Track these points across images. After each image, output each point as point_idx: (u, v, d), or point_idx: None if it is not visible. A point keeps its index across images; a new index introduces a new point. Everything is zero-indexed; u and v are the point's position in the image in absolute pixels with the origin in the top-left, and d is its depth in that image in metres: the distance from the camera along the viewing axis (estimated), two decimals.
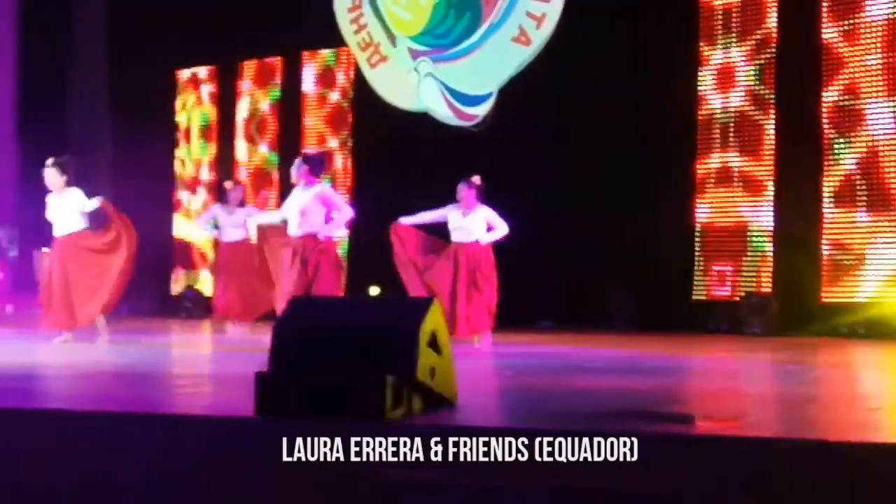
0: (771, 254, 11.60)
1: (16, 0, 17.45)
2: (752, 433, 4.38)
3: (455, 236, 9.93)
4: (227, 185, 12.21)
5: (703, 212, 12.06)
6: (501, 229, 9.95)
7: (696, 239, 12.07)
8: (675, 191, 12.12)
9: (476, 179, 10.00)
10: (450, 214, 9.99)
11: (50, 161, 9.67)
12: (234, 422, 4.42)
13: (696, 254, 12.05)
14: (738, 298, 11.67)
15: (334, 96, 14.73)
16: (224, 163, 15.85)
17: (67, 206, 9.56)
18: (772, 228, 11.60)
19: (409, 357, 4.34)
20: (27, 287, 15.69)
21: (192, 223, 13.29)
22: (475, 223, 9.88)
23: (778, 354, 9.06)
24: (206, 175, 16.19)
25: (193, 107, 16.32)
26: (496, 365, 8.08)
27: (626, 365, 8.20)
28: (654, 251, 11.94)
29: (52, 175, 9.62)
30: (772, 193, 11.60)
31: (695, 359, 9.01)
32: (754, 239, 11.74)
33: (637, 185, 12.08)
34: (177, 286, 16.23)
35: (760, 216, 11.72)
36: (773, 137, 11.61)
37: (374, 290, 12.79)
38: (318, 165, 9.48)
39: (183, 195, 16.31)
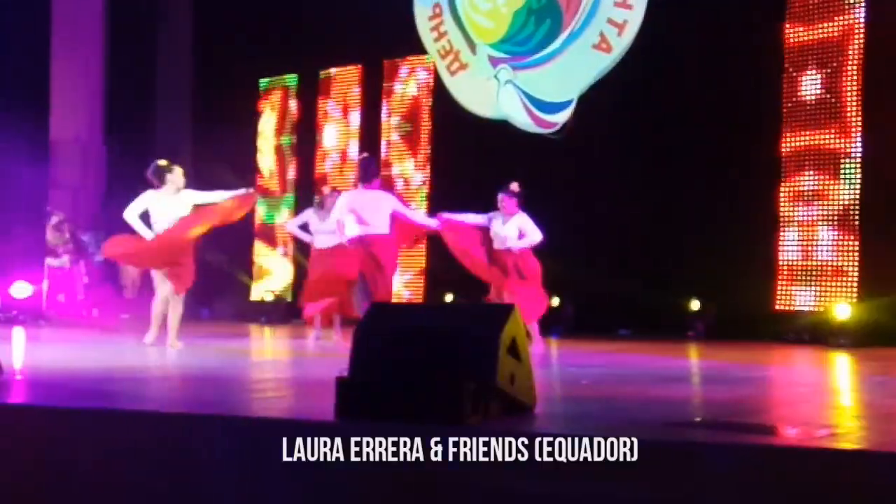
0: (857, 265, 11.38)
1: (104, 12, 17.83)
2: (836, 445, 4.32)
3: (494, 244, 10.04)
4: (325, 190, 12.23)
5: (787, 219, 11.88)
6: (534, 236, 10.02)
7: (780, 249, 11.89)
8: (758, 200, 11.96)
9: (515, 187, 10.14)
10: (493, 221, 10.09)
11: (165, 161, 9.79)
12: (314, 425, 4.47)
13: (780, 263, 11.88)
14: (821, 309, 11.48)
15: (414, 103, 14.80)
16: (304, 169, 16.01)
17: (180, 207, 9.62)
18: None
19: (489, 363, 4.35)
20: (111, 291, 16.01)
21: (287, 225, 13.35)
22: (510, 231, 9.95)
23: (865, 365, 8.90)
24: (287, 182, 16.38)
25: (275, 115, 16.50)
26: (574, 373, 8.06)
27: (705, 374, 8.13)
28: (735, 260, 11.79)
29: (180, 175, 9.70)
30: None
31: (776, 368, 8.89)
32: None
33: (719, 194, 11.96)
34: (257, 291, 16.43)
35: None
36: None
37: (449, 298, 12.81)
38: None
39: (263, 205, 16.50)
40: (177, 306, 9.57)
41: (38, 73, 15.26)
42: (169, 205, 9.61)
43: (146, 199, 9.64)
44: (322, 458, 4.21)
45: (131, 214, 9.60)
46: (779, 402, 6.40)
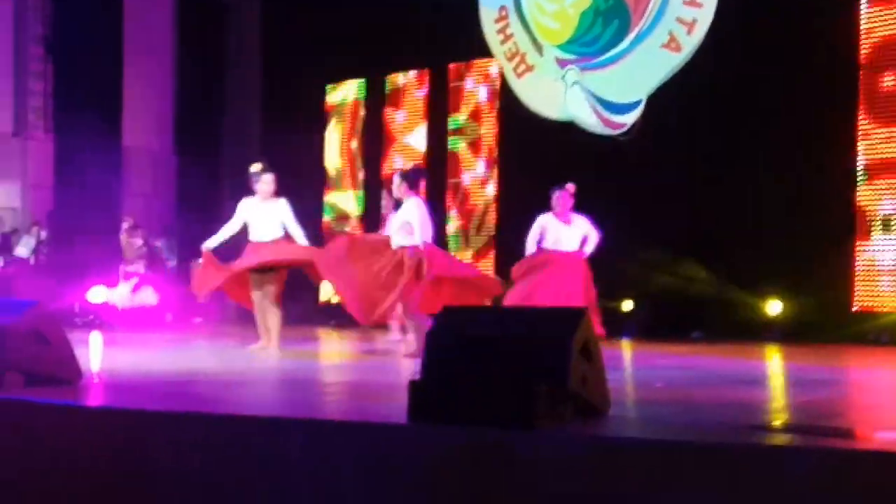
0: None
1: (174, 21, 18.08)
2: None
3: (555, 246, 10.11)
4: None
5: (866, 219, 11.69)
6: (595, 237, 10.25)
7: (858, 249, 11.71)
8: (834, 199, 11.79)
9: (571, 187, 10.30)
10: (548, 224, 10.08)
11: (259, 167, 9.89)
12: (388, 427, 4.49)
13: (858, 264, 11.69)
14: None
15: (481, 106, 14.79)
16: (372, 171, 16.08)
17: (273, 215, 9.74)
18: None
19: (561, 366, 4.34)
20: (184, 296, 16.21)
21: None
22: (575, 233, 10.10)
23: None
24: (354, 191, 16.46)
25: (342, 120, 16.58)
26: (647, 376, 8.00)
27: (780, 377, 8.03)
28: (811, 261, 11.62)
29: (269, 181, 9.82)
30: None
31: (854, 371, 8.75)
32: None
33: (792, 194, 11.80)
34: (325, 294, 16.51)
35: None
36: None
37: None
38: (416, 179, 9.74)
39: (330, 214, 16.60)
40: (275, 313, 9.66)
41: (111, 82, 15.54)
42: (262, 211, 9.76)
43: (241, 208, 9.85)
44: (395, 461, 4.23)
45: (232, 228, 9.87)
46: (858, 406, 6.29)
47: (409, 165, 13.22)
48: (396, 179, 9.57)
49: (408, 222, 9.17)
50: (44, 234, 16.13)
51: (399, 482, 4.21)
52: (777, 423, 4.96)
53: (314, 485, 4.41)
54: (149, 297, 15.47)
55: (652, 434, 4.58)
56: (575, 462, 4.03)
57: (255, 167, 9.89)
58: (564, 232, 10.25)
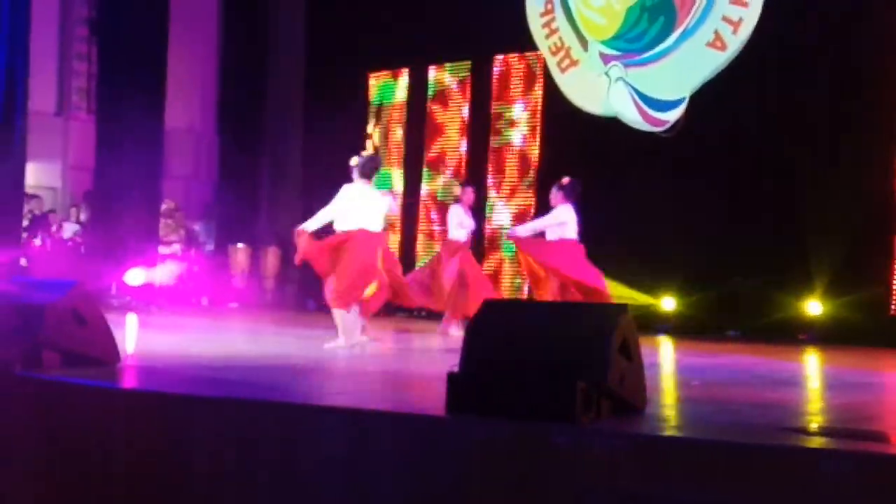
0: None
1: (218, 9, 18.14)
2: None
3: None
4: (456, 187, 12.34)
5: None
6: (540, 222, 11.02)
7: None
8: (875, 201, 11.68)
9: (564, 180, 10.84)
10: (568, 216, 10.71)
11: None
12: (425, 419, 4.49)
13: None
14: None
15: (524, 99, 14.75)
16: (413, 161, 16.07)
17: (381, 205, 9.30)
18: None
19: (601, 363, 4.32)
20: (222, 280, 16.29)
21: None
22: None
23: None
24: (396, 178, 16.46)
25: (386, 108, 16.58)
26: (683, 374, 7.96)
27: (817, 379, 7.97)
28: (850, 263, 11.52)
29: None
30: None
31: (889, 374, 8.67)
32: None
33: (834, 194, 11.69)
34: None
35: None
36: None
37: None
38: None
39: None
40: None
41: (155, 64, 15.61)
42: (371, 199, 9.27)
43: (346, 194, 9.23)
44: (432, 452, 4.23)
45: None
46: (890, 410, 6.23)
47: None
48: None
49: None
50: (83, 216, 16.24)
51: (436, 473, 4.22)
52: (813, 425, 4.92)
53: (351, 473, 4.41)
54: (166, 275, 15.40)
55: (688, 433, 4.56)
56: (613, 458, 4.02)
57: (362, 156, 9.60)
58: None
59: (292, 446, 4.58)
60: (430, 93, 15.88)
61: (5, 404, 5.49)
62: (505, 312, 4.92)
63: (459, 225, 11.58)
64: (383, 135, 16.51)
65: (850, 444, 4.26)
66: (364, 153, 9.60)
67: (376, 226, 9.03)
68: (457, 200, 11.98)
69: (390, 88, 16.51)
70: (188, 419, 4.96)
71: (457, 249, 11.42)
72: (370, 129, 16.62)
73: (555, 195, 10.74)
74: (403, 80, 16.29)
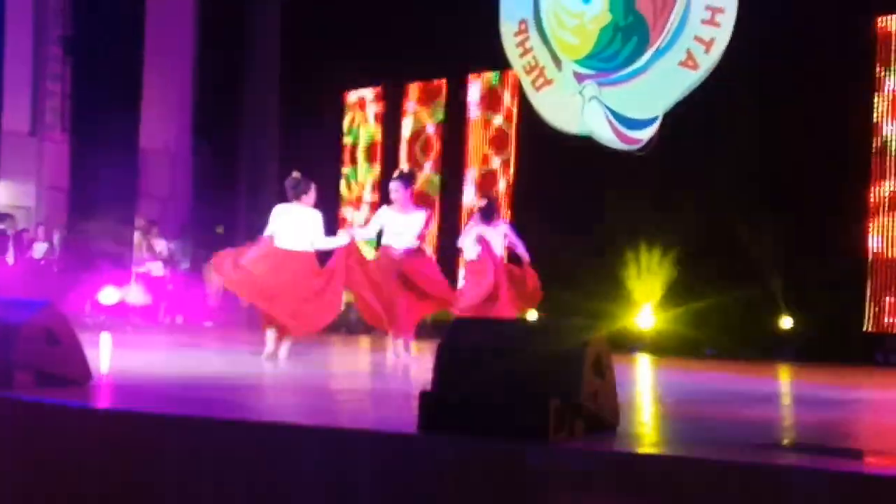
0: None
1: (194, 23, 18.15)
2: None
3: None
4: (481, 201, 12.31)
5: (876, 240, 11.67)
6: None
7: (868, 268, 11.68)
8: (846, 219, 11.77)
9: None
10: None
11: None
12: (399, 437, 4.48)
13: (868, 283, 11.67)
14: None
15: (498, 119, 14.81)
16: (388, 179, 16.08)
17: (414, 225, 9.53)
18: None
19: (573, 380, 4.32)
20: (196, 299, 16.25)
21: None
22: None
23: None
24: (369, 196, 16.46)
25: (360, 127, 16.62)
26: (657, 392, 7.98)
27: (793, 396, 8.01)
28: (822, 280, 11.59)
29: (394, 189, 9.67)
30: None
31: (864, 391, 8.72)
32: None
33: (806, 213, 11.78)
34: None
35: None
36: None
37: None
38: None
39: (347, 214, 16.61)
40: None
41: (130, 83, 15.61)
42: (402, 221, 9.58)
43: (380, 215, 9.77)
44: (406, 471, 4.22)
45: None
46: (869, 428, 6.26)
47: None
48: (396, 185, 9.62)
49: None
50: (55, 236, 16.12)
51: (409, 492, 4.21)
52: (787, 442, 4.94)
53: (324, 492, 4.40)
54: (138, 296, 15.37)
55: (662, 450, 4.57)
56: (586, 476, 4.02)
57: (296, 175, 9.71)
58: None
59: (265, 465, 4.55)
60: (404, 109, 15.93)
61: None
62: (476, 330, 4.92)
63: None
64: (358, 154, 16.56)
65: (825, 461, 4.28)
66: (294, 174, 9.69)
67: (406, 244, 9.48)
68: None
69: (364, 106, 16.53)
70: (160, 438, 4.93)
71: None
72: (345, 145, 16.65)
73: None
74: (378, 98, 16.33)
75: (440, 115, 15.53)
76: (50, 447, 5.18)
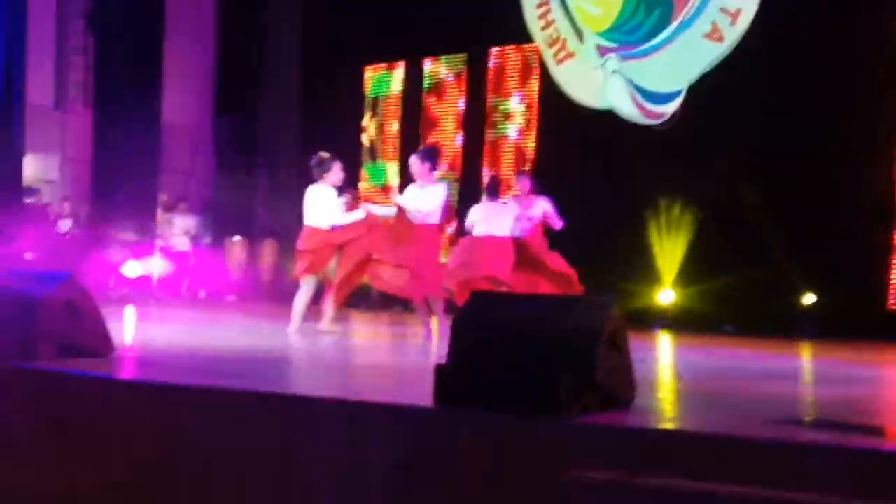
0: None
1: (215, 2, 18.14)
2: None
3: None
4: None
5: None
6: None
7: (893, 244, 11.60)
8: (872, 195, 11.67)
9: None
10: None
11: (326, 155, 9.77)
12: (414, 410, 4.51)
13: (893, 259, 11.58)
14: None
15: (520, 92, 14.75)
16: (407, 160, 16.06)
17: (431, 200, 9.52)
18: None
19: (589, 356, 4.33)
20: (218, 273, 16.31)
21: None
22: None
23: None
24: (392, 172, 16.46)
25: (381, 101, 16.58)
26: (674, 368, 7.98)
27: (812, 373, 7.99)
28: (848, 257, 11.52)
29: (412, 163, 9.75)
30: None
31: (887, 369, 8.69)
32: None
33: (832, 188, 11.68)
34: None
35: None
36: None
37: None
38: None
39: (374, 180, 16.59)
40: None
41: (151, 57, 15.64)
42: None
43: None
44: (420, 443, 4.25)
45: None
46: (880, 405, 6.24)
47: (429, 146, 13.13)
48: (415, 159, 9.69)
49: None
50: (67, 208, 16.15)
51: (424, 464, 4.23)
52: (804, 418, 4.94)
53: (342, 462, 4.44)
54: (161, 268, 15.41)
55: (676, 426, 4.58)
56: (600, 451, 4.03)
57: (324, 154, 9.86)
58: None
59: (284, 437, 4.60)
60: (425, 85, 15.88)
61: (2, 395, 5.51)
62: (493, 304, 4.93)
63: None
64: (378, 128, 16.53)
65: (842, 437, 4.28)
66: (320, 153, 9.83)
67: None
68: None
69: (386, 81, 16.51)
70: (182, 409, 4.98)
71: None
72: (366, 121, 16.63)
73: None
74: (399, 72, 16.29)
75: (462, 90, 15.47)
76: (72, 416, 5.24)
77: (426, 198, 9.46)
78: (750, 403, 5.49)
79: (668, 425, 4.58)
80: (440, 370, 4.45)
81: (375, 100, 16.56)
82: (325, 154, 9.77)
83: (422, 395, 4.58)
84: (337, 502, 4.42)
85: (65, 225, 15.72)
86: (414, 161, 9.75)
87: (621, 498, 3.92)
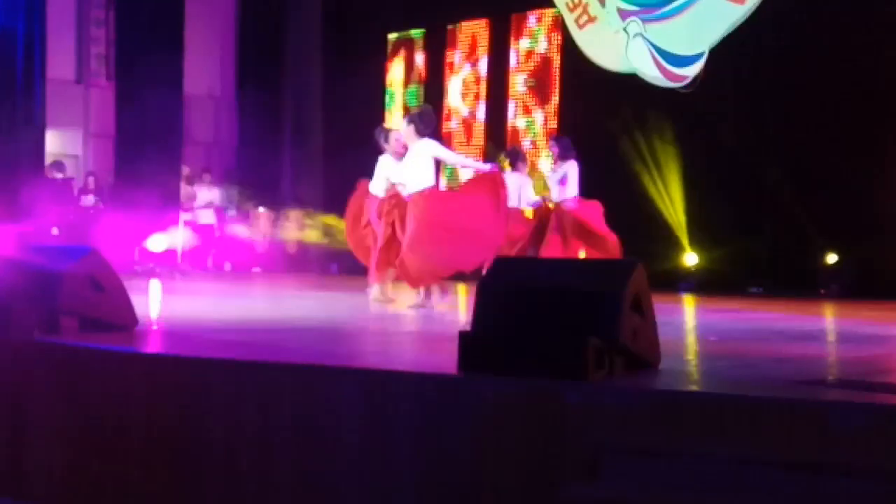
0: None
1: None
2: None
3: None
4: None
5: None
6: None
7: None
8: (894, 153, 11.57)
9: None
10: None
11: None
12: (438, 378, 4.50)
13: None
14: None
15: (542, 57, 14.67)
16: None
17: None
18: None
19: (613, 319, 4.30)
20: (244, 245, 16.34)
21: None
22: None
23: None
24: None
25: (403, 70, 16.53)
26: (701, 331, 7.94)
27: (838, 333, 7.94)
28: (872, 215, 11.44)
29: (393, 140, 9.43)
30: None
31: None
32: None
33: (855, 146, 11.59)
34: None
35: None
36: None
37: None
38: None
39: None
40: None
41: (173, 29, 15.61)
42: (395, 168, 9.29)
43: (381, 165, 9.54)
44: (445, 410, 4.24)
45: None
46: None
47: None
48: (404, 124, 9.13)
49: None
50: (92, 182, 16.19)
51: (450, 431, 4.23)
52: (829, 378, 4.90)
53: (368, 432, 4.43)
54: (186, 240, 15.43)
55: (702, 388, 4.55)
56: (626, 414, 4.01)
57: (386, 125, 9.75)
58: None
59: (309, 407, 4.60)
60: (447, 51, 15.82)
61: (25, 369, 5.53)
62: (515, 269, 4.91)
63: None
64: (400, 94, 16.49)
65: (866, 396, 4.24)
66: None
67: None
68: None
69: (407, 49, 16.43)
70: (205, 382, 4.99)
71: None
72: (388, 89, 16.57)
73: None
74: (420, 39, 16.22)
75: (484, 55, 15.40)
76: (96, 391, 5.26)
77: (410, 164, 8.94)
78: (774, 363, 5.45)
79: (693, 387, 4.56)
80: (464, 336, 4.44)
81: (397, 66, 16.51)
82: (386, 125, 9.68)
83: (447, 362, 4.57)
84: (363, 473, 4.42)
85: (89, 200, 15.77)
86: (402, 125, 9.29)
87: (644, 460, 3.91)
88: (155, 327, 6.80)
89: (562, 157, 11.10)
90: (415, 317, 8.62)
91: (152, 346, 6.08)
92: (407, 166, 8.91)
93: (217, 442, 4.88)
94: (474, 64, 15.50)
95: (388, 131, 9.74)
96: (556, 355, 4.25)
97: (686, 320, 8.77)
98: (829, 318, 9.29)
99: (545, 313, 4.42)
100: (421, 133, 8.84)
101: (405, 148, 9.03)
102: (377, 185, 9.49)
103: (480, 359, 4.38)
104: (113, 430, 5.13)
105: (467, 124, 15.58)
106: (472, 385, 4.31)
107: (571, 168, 10.99)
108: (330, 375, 4.74)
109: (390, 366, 4.99)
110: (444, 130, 15.77)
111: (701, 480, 3.79)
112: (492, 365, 4.33)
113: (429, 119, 9.07)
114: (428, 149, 8.82)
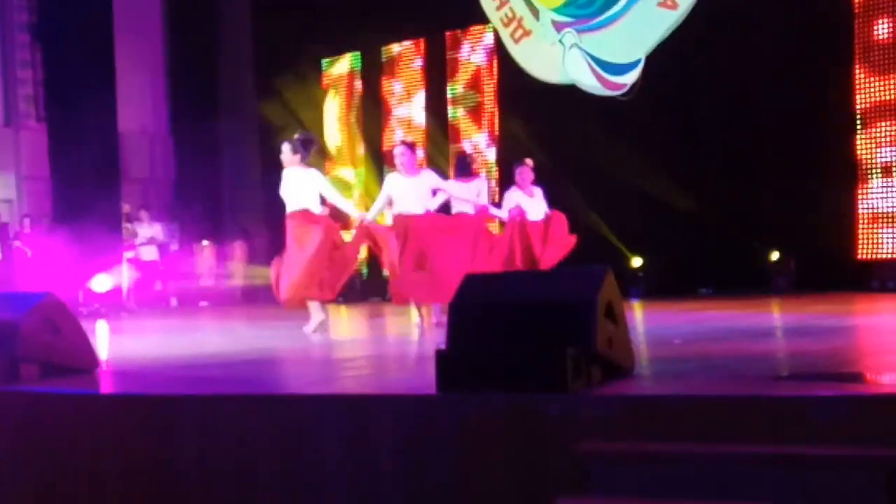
0: None
1: (162, 6, 17.93)
2: None
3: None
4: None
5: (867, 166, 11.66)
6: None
7: (860, 196, 11.68)
8: (836, 148, 11.74)
9: (530, 162, 10.70)
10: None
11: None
12: (418, 399, 4.46)
13: (861, 211, 11.67)
14: None
15: (478, 74, 14.69)
16: (372, 146, 16.00)
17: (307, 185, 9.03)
18: None
19: (588, 328, 4.30)
20: (189, 280, 16.17)
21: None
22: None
23: None
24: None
25: (340, 94, 16.49)
26: (663, 333, 7.97)
27: (793, 328, 8.02)
28: (815, 211, 11.59)
29: (285, 151, 9.22)
30: None
31: (862, 318, 8.75)
32: None
33: (794, 144, 11.76)
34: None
35: None
36: None
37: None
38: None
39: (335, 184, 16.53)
40: None
41: (103, 66, 15.37)
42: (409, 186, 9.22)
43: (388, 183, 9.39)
44: (427, 431, 4.20)
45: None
46: (868, 352, 6.28)
47: (407, 138, 12.94)
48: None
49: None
50: (28, 226, 15.90)
51: (432, 452, 4.19)
52: (797, 372, 4.95)
53: (349, 458, 4.38)
54: (130, 277, 15.23)
55: (677, 390, 4.56)
56: (607, 422, 4.01)
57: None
58: (529, 203, 10.40)
59: (286, 437, 4.53)
60: (384, 73, 15.81)
61: None
62: (486, 285, 4.88)
63: None
64: (339, 120, 16.45)
65: (835, 387, 4.29)
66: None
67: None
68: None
69: (343, 73, 16.40)
70: (175, 419, 4.90)
71: None
72: (326, 115, 16.52)
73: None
74: (356, 62, 16.20)
75: (420, 75, 15.40)
76: (62, 436, 5.14)
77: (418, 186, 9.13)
78: (742, 361, 5.50)
79: (671, 390, 4.56)
80: (441, 355, 4.40)
81: (334, 91, 16.47)
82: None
83: (424, 383, 4.53)
84: (348, 499, 4.36)
85: (16, 244, 15.50)
86: (402, 151, 9.29)
87: (632, 466, 3.91)
88: (104, 368, 6.64)
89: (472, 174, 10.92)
90: (384, 340, 8.55)
91: (116, 387, 5.97)
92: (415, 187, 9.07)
93: (188, 479, 4.80)
94: (411, 83, 15.49)
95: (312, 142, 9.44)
96: (534, 368, 4.24)
97: (647, 326, 8.80)
98: (782, 314, 9.38)
99: (520, 327, 4.40)
100: (304, 159, 8.99)
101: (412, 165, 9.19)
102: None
103: (459, 377, 4.35)
104: (83, 474, 5.03)
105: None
106: (452, 404, 4.28)
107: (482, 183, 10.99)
108: (305, 404, 4.68)
109: (368, 390, 4.94)
110: (385, 147, 15.68)
111: (688, 482, 3.79)
112: (470, 382, 4.30)
113: (310, 145, 9.16)
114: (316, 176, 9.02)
